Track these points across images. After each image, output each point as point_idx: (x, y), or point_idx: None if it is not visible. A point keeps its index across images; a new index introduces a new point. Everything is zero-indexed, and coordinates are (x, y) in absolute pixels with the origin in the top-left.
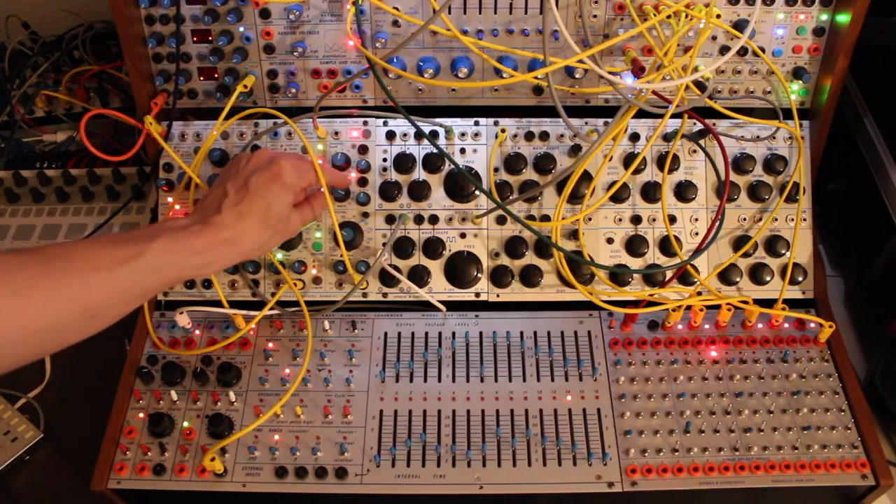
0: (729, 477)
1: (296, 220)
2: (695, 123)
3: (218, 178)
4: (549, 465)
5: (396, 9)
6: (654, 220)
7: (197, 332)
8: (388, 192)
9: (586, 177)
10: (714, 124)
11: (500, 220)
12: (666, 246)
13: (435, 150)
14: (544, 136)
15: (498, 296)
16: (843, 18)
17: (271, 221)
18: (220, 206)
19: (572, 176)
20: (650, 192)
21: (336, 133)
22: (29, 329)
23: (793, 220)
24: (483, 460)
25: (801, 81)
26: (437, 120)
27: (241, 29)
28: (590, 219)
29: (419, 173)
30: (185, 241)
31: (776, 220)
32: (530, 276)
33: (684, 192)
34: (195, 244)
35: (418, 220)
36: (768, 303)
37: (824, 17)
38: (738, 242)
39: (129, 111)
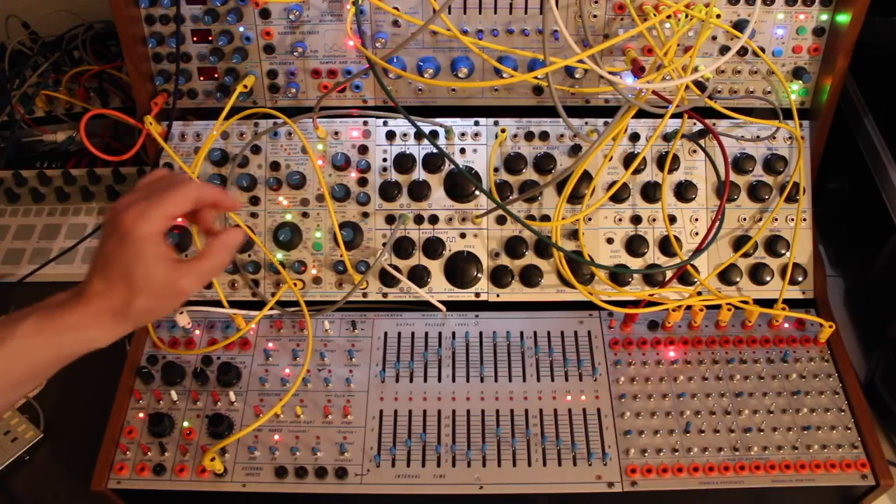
0: (729, 477)
1: (176, 277)
2: (695, 123)
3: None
4: (548, 465)
5: (396, 9)
6: (654, 220)
7: (197, 332)
8: (388, 192)
9: (586, 177)
10: (714, 124)
11: (500, 220)
12: (666, 246)
13: (435, 150)
14: (544, 136)
15: (498, 296)
16: (843, 18)
17: (139, 284)
18: (90, 277)
19: (572, 176)
20: (650, 192)
21: (336, 133)
22: None
23: (793, 220)
24: (483, 460)
25: (801, 81)
26: (437, 120)
27: (241, 29)
28: (590, 219)
29: (419, 173)
30: (58, 317)
31: (776, 220)
32: (530, 276)
33: (684, 192)
34: (69, 319)
35: (418, 220)
36: (768, 303)
37: (824, 17)
38: (738, 242)
39: (129, 111)
